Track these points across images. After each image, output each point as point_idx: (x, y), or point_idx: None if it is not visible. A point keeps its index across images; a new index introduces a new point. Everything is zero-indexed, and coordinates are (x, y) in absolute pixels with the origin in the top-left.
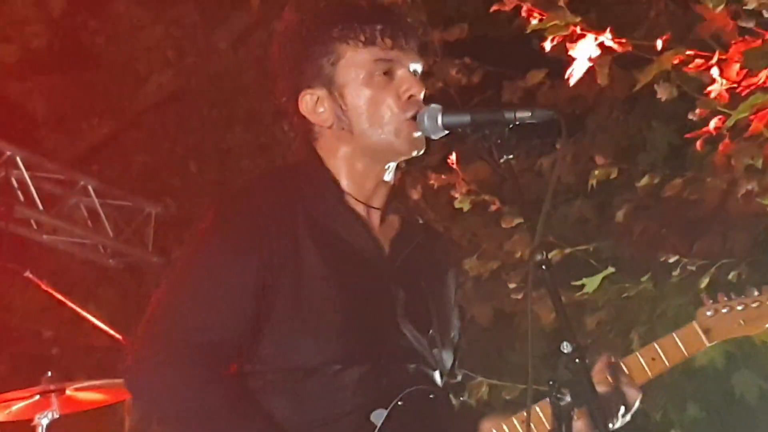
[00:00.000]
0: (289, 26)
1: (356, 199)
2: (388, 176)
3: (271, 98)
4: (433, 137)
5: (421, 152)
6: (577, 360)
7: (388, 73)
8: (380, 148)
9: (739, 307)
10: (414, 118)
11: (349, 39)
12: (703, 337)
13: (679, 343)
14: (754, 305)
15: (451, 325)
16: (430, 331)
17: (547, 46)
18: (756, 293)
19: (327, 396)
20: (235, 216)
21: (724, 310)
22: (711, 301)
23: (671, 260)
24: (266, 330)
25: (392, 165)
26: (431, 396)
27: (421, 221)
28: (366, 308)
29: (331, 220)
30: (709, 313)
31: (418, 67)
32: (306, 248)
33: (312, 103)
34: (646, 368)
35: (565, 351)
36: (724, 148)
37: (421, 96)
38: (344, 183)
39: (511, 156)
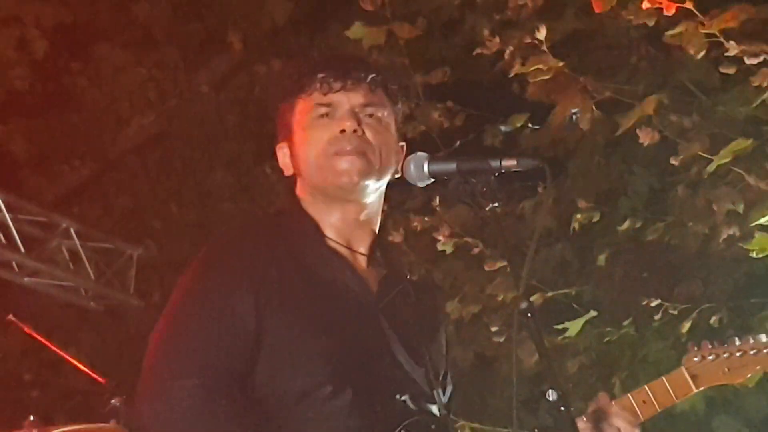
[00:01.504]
0: (272, 89)
1: (338, 243)
2: (364, 216)
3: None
4: (419, 185)
5: (354, 181)
6: (562, 408)
7: (329, 115)
8: (322, 186)
9: (725, 355)
10: (344, 150)
11: (299, 92)
12: (691, 383)
13: (669, 388)
14: (737, 354)
15: (443, 364)
16: (426, 364)
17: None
18: (738, 342)
19: (320, 421)
20: (228, 256)
21: (710, 357)
22: (696, 348)
23: (653, 304)
24: (260, 366)
25: (362, 204)
26: (433, 427)
27: (407, 274)
28: (356, 337)
29: (315, 262)
30: (696, 359)
31: (362, 100)
32: (293, 288)
33: (283, 157)
34: (638, 411)
35: (551, 399)
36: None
37: (352, 129)
38: (324, 226)
39: (496, 204)
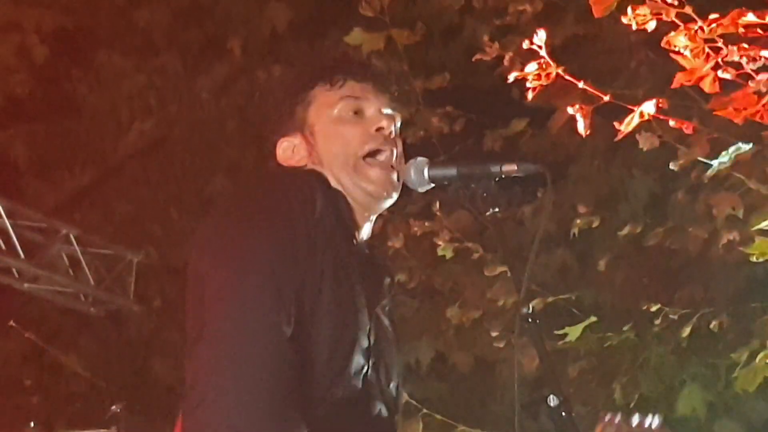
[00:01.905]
0: (270, 85)
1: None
2: (367, 224)
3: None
4: (420, 190)
5: (393, 195)
6: (563, 413)
7: (358, 113)
8: (348, 186)
9: None
10: (374, 152)
11: (319, 82)
12: None
13: None
14: None
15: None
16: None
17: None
18: (637, 420)
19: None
20: (267, 238)
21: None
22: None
23: (653, 309)
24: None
25: (369, 220)
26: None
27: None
28: (358, 345)
29: (347, 239)
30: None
31: (389, 111)
32: (326, 281)
33: (289, 151)
34: None
35: (552, 404)
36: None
37: (391, 129)
38: None
39: (497, 209)
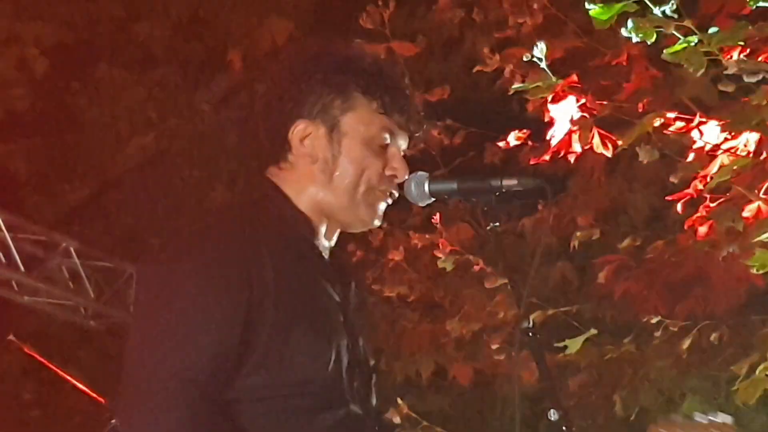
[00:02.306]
0: (312, 53)
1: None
2: (333, 241)
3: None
4: (420, 204)
5: (376, 225)
6: (563, 427)
7: (384, 147)
8: (344, 209)
9: None
10: (385, 193)
11: (371, 98)
12: None
13: None
14: None
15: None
16: (372, 378)
17: (529, 107)
18: (703, 420)
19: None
20: (217, 251)
21: None
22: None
23: (653, 322)
24: (251, 362)
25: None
26: None
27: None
28: (332, 351)
29: (304, 258)
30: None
31: (405, 146)
32: (288, 287)
33: (303, 134)
34: None
35: (553, 419)
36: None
37: (402, 179)
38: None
39: (497, 224)
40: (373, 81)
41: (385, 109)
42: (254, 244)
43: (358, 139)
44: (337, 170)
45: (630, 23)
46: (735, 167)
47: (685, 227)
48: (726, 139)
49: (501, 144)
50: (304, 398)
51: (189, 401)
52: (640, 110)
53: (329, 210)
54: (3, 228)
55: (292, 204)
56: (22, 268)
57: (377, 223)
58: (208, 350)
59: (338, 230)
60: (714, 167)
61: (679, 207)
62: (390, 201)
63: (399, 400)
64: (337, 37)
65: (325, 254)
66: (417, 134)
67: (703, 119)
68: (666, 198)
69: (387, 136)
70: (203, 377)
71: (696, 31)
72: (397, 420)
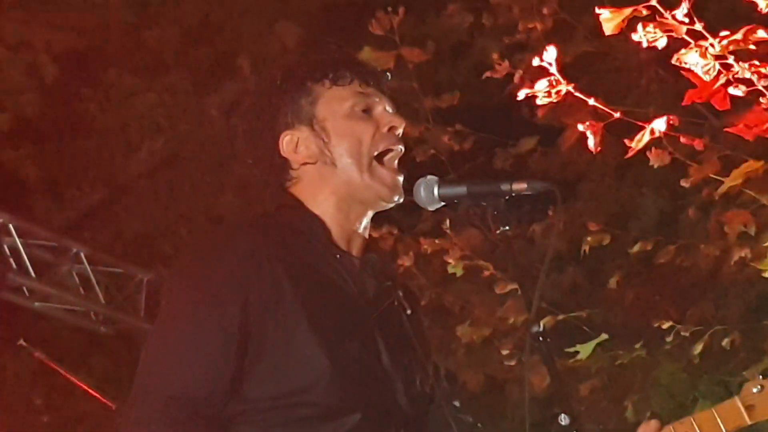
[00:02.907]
0: (265, 79)
1: (337, 246)
2: (362, 228)
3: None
4: (430, 208)
5: (400, 198)
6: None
7: (367, 110)
8: (359, 184)
9: None
10: (388, 150)
11: (326, 80)
12: (745, 415)
13: (718, 420)
14: None
15: (428, 379)
16: (416, 381)
17: (539, 112)
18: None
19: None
20: (211, 265)
21: None
22: (761, 376)
23: (664, 327)
24: (255, 372)
25: (368, 215)
26: None
27: (391, 270)
28: (353, 352)
29: (317, 263)
30: (755, 390)
31: (391, 106)
32: (290, 292)
33: (293, 144)
34: None
35: (563, 423)
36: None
37: (401, 131)
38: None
39: (507, 228)
40: (321, 65)
41: (344, 81)
42: (256, 257)
43: (338, 117)
44: (335, 152)
45: (640, 28)
46: (746, 171)
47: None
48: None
49: (511, 149)
50: (305, 408)
51: (179, 419)
52: (651, 114)
53: (349, 193)
54: (14, 233)
55: (305, 208)
56: (32, 273)
57: (397, 197)
58: (201, 368)
59: (365, 215)
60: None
61: (690, 211)
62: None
63: None
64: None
65: (355, 250)
66: (387, 81)
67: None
68: (677, 202)
69: (363, 100)
70: (197, 395)
71: (707, 35)
72: None
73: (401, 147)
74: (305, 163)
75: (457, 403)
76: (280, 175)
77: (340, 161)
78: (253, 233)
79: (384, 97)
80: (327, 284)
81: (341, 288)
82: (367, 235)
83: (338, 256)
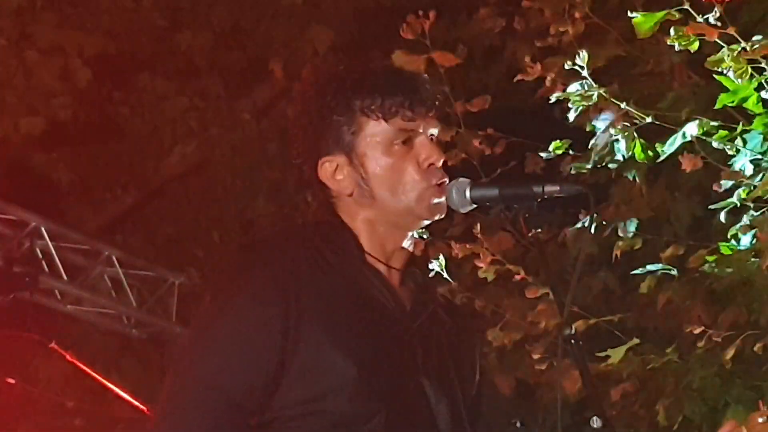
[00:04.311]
0: (310, 91)
1: (376, 258)
2: (407, 243)
3: (291, 161)
4: (461, 211)
5: (442, 216)
6: None
7: (407, 142)
8: (402, 215)
9: None
10: (435, 185)
11: (371, 113)
12: None
13: None
14: None
15: (473, 390)
16: (451, 395)
17: (571, 116)
18: None
19: None
20: (255, 269)
21: None
22: (766, 407)
23: (696, 332)
24: (285, 379)
25: (410, 234)
26: None
27: (439, 291)
28: (384, 363)
29: (352, 276)
30: (761, 420)
31: (435, 131)
32: (327, 302)
33: (331, 170)
34: None
35: (595, 426)
36: None
37: (440, 163)
38: (364, 243)
39: (539, 230)
40: (367, 94)
41: (387, 115)
42: (298, 263)
43: (377, 152)
44: (374, 188)
45: (673, 31)
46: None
47: (729, 236)
48: None
49: (543, 154)
50: (330, 416)
51: (218, 415)
52: (683, 118)
53: (389, 222)
54: (46, 237)
55: (342, 223)
56: (65, 276)
57: (440, 215)
58: (243, 368)
59: (407, 236)
60: (758, 176)
61: (722, 216)
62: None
63: None
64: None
65: (398, 263)
66: (437, 103)
67: (747, 128)
68: (709, 207)
69: (402, 134)
70: (237, 395)
71: (739, 39)
72: None
73: (447, 180)
74: (341, 191)
75: (518, 423)
76: (322, 195)
77: (380, 195)
78: (295, 243)
79: (429, 121)
80: (359, 295)
81: (375, 299)
82: (411, 249)
83: (373, 269)
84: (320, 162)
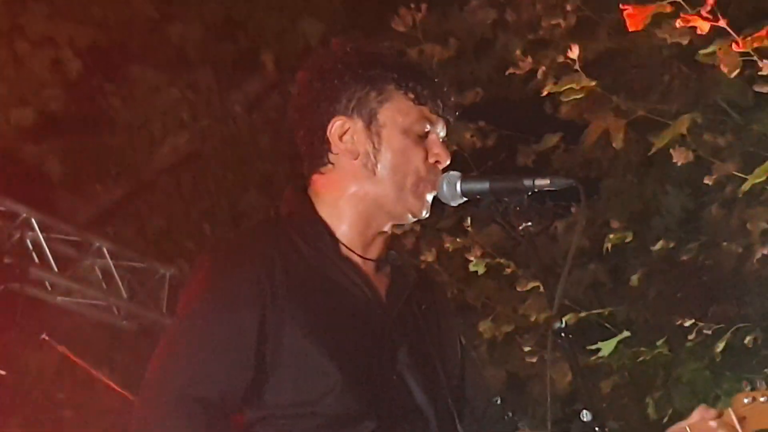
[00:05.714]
0: (341, 52)
1: (351, 250)
2: (387, 227)
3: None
4: (452, 204)
5: (426, 216)
6: (596, 428)
7: (422, 135)
8: (391, 198)
9: None
10: (432, 181)
11: (405, 89)
12: (738, 426)
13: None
14: None
15: (456, 371)
16: (435, 385)
17: (562, 109)
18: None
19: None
20: (231, 269)
21: (762, 399)
22: (750, 388)
23: (687, 324)
24: (273, 379)
25: (390, 223)
26: None
27: (415, 266)
28: (366, 359)
29: (326, 270)
30: (746, 401)
31: (443, 133)
32: (303, 299)
33: (342, 131)
34: None
35: (585, 419)
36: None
37: (445, 164)
38: (342, 230)
39: (530, 223)
40: (405, 72)
41: (419, 99)
42: (272, 264)
43: (397, 130)
44: (380, 162)
45: (664, 24)
46: None
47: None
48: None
49: (534, 146)
50: (320, 417)
51: (194, 418)
52: (674, 112)
53: (377, 203)
54: (36, 228)
55: (314, 215)
56: (55, 268)
57: (425, 213)
58: (219, 369)
59: (388, 224)
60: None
61: (713, 209)
62: (435, 191)
63: None
64: (364, 37)
65: (375, 251)
66: (451, 120)
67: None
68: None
69: (425, 124)
70: (214, 396)
71: (731, 32)
72: None
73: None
74: (346, 153)
75: (498, 400)
76: (312, 158)
77: (382, 172)
78: (269, 241)
79: (442, 122)
80: (336, 291)
81: (352, 294)
82: (390, 233)
83: (348, 262)
84: (334, 119)
